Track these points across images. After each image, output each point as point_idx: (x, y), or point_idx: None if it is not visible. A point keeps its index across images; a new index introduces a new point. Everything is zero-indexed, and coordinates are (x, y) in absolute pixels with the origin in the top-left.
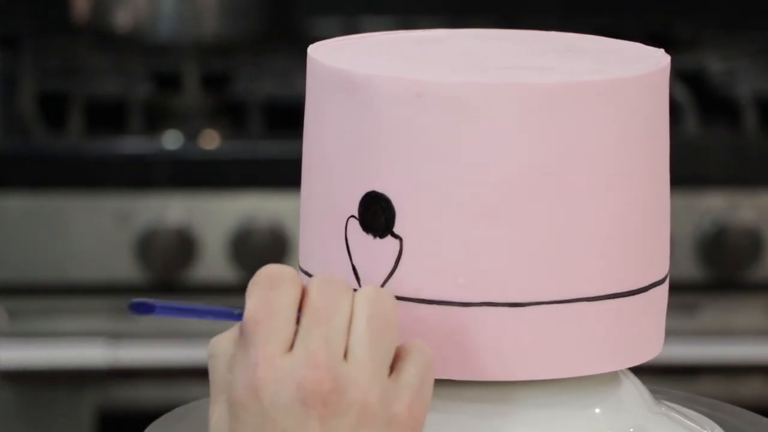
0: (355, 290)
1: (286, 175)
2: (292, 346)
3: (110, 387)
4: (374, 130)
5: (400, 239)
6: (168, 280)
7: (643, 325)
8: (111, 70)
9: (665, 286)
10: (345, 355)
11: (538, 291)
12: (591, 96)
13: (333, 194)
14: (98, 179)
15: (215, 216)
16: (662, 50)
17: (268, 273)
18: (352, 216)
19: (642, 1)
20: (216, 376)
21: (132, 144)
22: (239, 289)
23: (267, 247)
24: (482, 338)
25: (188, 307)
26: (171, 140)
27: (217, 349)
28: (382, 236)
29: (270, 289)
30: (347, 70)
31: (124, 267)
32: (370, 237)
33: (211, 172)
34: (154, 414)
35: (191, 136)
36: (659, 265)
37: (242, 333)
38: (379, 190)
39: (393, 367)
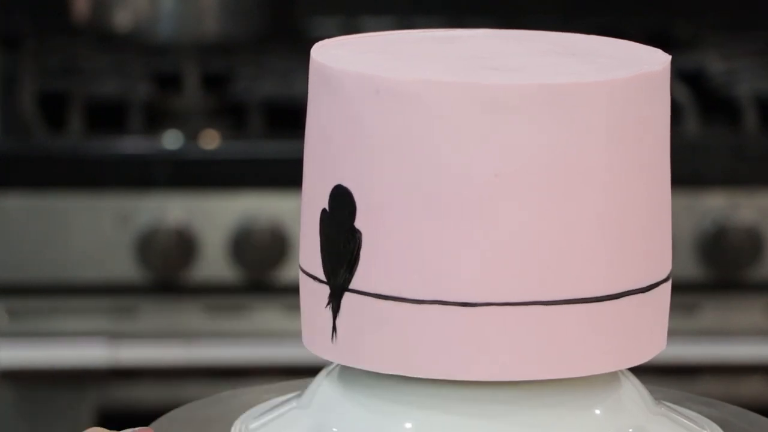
0: None
1: (286, 175)
2: None
3: (110, 387)
4: (341, 124)
5: (360, 234)
6: (168, 280)
7: (632, 328)
8: (111, 70)
9: (659, 289)
10: None
11: (489, 292)
12: (555, 98)
13: (313, 188)
14: (98, 179)
15: (215, 216)
16: (661, 52)
17: None
18: (324, 209)
19: (642, 1)
20: None
21: (132, 144)
22: (239, 289)
23: (267, 247)
24: (434, 336)
25: None
26: (171, 140)
27: None
28: (345, 230)
29: None
30: (325, 64)
31: (124, 267)
32: (337, 230)
33: (211, 172)
34: (154, 414)
35: (191, 136)
36: (644, 269)
37: None
38: (344, 184)
39: None
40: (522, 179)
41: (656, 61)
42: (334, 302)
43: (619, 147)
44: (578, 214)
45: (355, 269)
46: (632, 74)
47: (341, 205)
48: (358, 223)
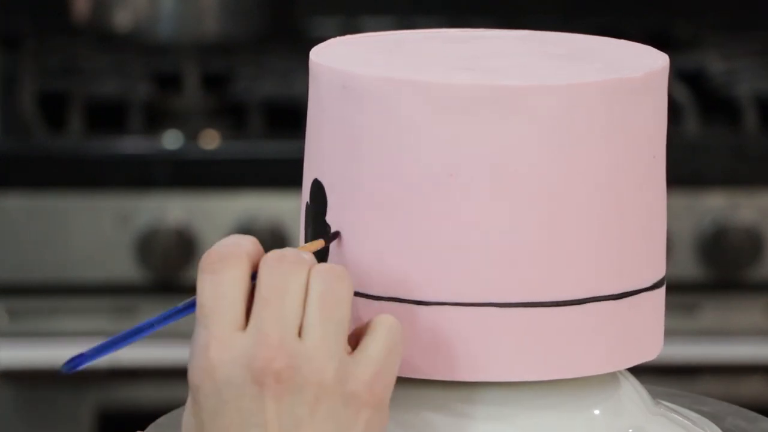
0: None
1: (286, 175)
2: (246, 328)
3: (110, 387)
4: (318, 118)
5: (329, 228)
6: (168, 280)
7: (630, 329)
8: (111, 70)
9: (657, 290)
10: (300, 334)
11: (441, 291)
12: (504, 101)
13: (304, 183)
14: (98, 179)
15: (215, 216)
16: (658, 53)
17: (212, 257)
18: (307, 203)
19: (642, 1)
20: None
21: (132, 144)
22: None
23: (267, 247)
24: None
25: (137, 328)
26: (171, 140)
27: None
28: (319, 224)
29: (214, 272)
30: (311, 59)
31: (124, 267)
32: (314, 224)
33: (211, 172)
34: (154, 414)
35: (191, 136)
36: (641, 270)
37: (196, 320)
38: (319, 178)
39: (358, 343)
40: (477, 179)
41: (648, 64)
42: None
43: (604, 148)
44: (557, 215)
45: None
46: (595, 79)
47: (317, 200)
48: (329, 218)
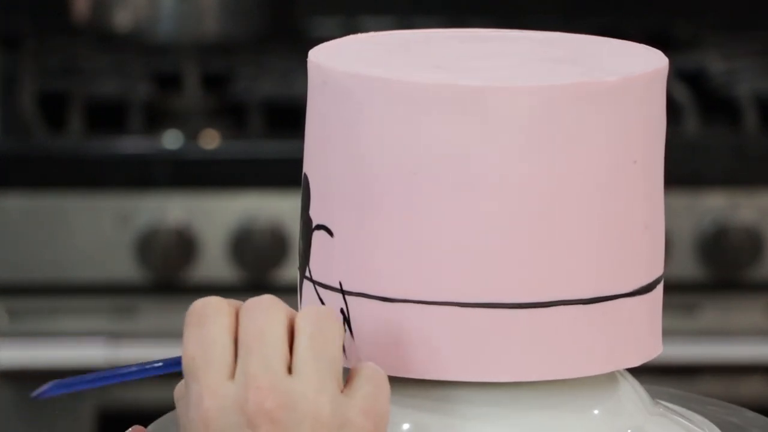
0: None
1: (286, 175)
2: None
3: (110, 387)
4: (308, 114)
5: (311, 222)
6: (168, 280)
7: (629, 329)
8: (111, 70)
9: (655, 290)
10: (291, 372)
11: (407, 288)
12: (460, 101)
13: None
14: (98, 179)
15: (215, 216)
16: (657, 53)
17: (194, 310)
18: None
19: (642, 1)
20: (182, 419)
21: (132, 144)
22: (239, 290)
23: (267, 247)
24: (355, 329)
25: (114, 373)
26: (171, 140)
27: (181, 392)
28: (304, 218)
29: (198, 325)
30: (309, 59)
31: (124, 267)
32: (302, 219)
33: (211, 172)
34: (154, 414)
35: (191, 136)
36: (639, 271)
37: (185, 374)
38: (306, 172)
39: (346, 386)
40: (436, 179)
41: (639, 68)
42: (299, 290)
43: (568, 150)
44: (471, 218)
45: (309, 257)
46: (563, 81)
47: (305, 194)
48: (311, 212)
